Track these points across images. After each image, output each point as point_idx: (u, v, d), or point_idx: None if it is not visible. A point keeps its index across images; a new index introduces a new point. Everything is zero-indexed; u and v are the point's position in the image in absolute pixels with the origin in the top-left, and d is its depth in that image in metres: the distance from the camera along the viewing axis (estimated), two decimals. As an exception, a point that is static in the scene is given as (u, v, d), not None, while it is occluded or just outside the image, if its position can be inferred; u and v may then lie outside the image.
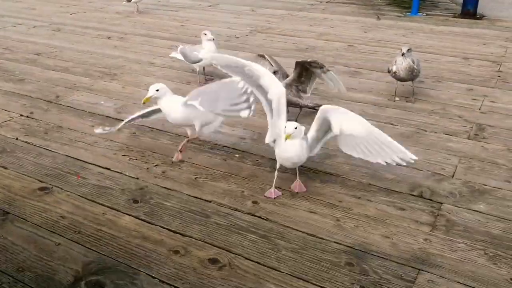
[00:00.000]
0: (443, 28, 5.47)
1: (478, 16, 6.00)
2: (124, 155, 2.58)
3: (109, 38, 5.05)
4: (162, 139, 2.79)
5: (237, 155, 2.59)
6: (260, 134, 2.83)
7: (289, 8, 6.56)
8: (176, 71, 3.99)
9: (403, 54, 3.18)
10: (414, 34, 5.18)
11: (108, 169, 2.43)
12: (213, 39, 3.51)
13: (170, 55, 3.89)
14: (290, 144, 2.01)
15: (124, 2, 6.11)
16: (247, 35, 5.14)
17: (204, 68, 3.66)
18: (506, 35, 5.12)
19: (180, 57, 3.66)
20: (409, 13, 6.22)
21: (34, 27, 5.53)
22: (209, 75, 3.78)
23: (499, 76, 3.89)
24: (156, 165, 2.47)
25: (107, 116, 3.11)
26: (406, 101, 3.32)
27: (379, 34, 5.18)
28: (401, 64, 3.22)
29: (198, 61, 3.55)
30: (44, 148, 2.66)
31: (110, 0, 7.24)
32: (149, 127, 2.94)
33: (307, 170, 2.38)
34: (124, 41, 4.92)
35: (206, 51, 3.47)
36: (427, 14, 6.21)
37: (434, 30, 5.37)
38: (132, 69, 4.06)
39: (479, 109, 3.24)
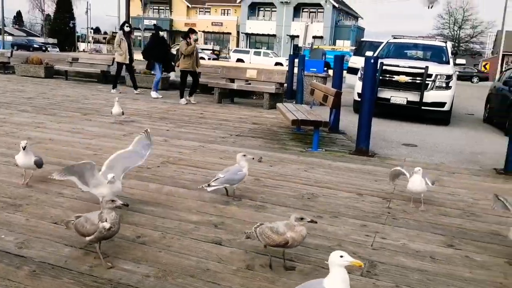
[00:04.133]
0: (339, 164, 6.04)
1: (370, 154, 6.73)
2: (20, 298, 2.46)
3: (17, 165, 4.95)
4: (63, 278, 2.71)
5: (141, 296, 2.58)
6: (165, 271, 2.87)
7: (201, 140, 6.93)
8: (84, 202, 3.97)
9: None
10: (314, 169, 5.66)
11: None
12: (253, 158, 4.49)
13: (208, 190, 4.14)
14: None
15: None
16: (158, 166, 5.31)
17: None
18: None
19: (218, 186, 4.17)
20: (311, 149, 6.83)
21: None
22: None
23: (389, 213, 4.31)
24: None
25: (6, 252, 2.98)
26: None
27: (283, 168, 5.60)
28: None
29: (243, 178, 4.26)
30: None
31: (22, 125, 7.21)
32: (51, 264, 2.86)
33: None
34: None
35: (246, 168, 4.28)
36: (326, 150, 6.85)
37: (331, 166, 5.92)
38: (39, 199, 3.98)
39: (371, 245, 3.54)
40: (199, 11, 66.96)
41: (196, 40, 11.10)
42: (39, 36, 70.90)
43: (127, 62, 12.32)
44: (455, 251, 3.54)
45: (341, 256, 2.14)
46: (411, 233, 3.84)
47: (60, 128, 7.12)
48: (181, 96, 11.25)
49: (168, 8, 67.38)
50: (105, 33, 68.85)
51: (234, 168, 4.26)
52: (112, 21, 66.25)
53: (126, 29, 12.32)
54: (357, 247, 3.47)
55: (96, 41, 67.80)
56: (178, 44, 13.08)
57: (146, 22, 60.13)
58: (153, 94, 11.99)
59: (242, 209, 4.11)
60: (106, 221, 2.87)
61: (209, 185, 4.14)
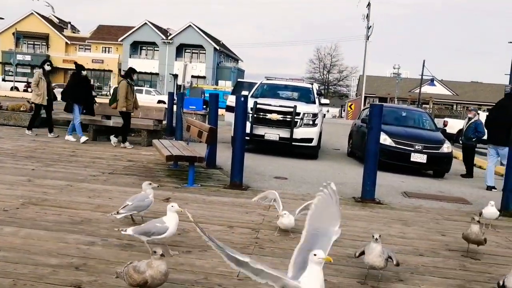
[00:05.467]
0: (214, 198, 6.13)
1: (243, 187, 6.92)
2: None
3: None
4: None
5: None
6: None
7: (69, 179, 6.57)
8: None
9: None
10: (188, 205, 5.65)
11: None
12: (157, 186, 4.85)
13: (117, 217, 4.41)
14: None
15: None
16: (17, 208, 4.90)
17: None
18: (265, 204, 5.96)
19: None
20: (186, 184, 6.83)
21: None
22: None
23: (256, 243, 4.45)
24: None
25: None
26: None
27: (155, 205, 5.48)
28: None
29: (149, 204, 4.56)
30: None
31: None
32: None
33: None
34: None
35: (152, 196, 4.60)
36: (201, 185, 6.90)
37: (206, 200, 5.97)
38: None
39: (237, 276, 3.61)
40: (79, 47, 64.33)
41: (133, 80, 10.43)
42: None
43: (45, 103, 11.09)
44: (314, 275, 3.75)
45: (315, 254, 2.35)
46: (275, 261, 4.00)
47: None
48: (124, 140, 10.47)
49: (44, 43, 63.66)
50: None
51: (141, 196, 4.57)
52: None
53: (47, 68, 11.15)
54: (223, 279, 3.51)
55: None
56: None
57: (20, 57, 56.15)
58: (82, 138, 10.72)
59: (107, 249, 3.95)
60: None
61: (117, 213, 4.38)
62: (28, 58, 59.93)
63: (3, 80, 41.11)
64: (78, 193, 5.83)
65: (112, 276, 3.36)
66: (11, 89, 36.78)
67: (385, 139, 10.08)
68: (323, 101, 13.21)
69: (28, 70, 58.00)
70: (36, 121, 11.73)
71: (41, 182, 6.22)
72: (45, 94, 11.00)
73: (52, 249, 3.83)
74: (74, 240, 4.10)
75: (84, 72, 11.13)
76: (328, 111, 37.02)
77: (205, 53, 59.94)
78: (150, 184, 4.65)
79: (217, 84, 55.01)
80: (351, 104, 44.84)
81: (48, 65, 11.28)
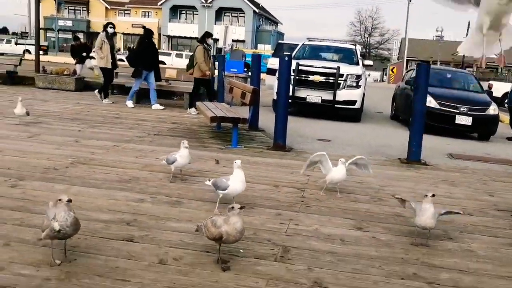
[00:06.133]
0: (258, 159, 6.11)
1: (287, 149, 6.87)
2: None
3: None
4: None
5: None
6: (69, 273, 2.72)
7: (116, 139, 6.68)
8: None
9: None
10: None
11: None
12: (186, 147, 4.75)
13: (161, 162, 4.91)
14: None
15: None
16: (67, 167, 5.04)
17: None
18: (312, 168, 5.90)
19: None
20: (230, 146, 6.84)
21: None
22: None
23: (303, 201, 4.43)
24: None
25: None
26: None
27: (201, 165, 5.54)
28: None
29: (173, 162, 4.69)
30: None
31: None
32: None
33: None
34: None
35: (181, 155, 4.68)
36: (245, 147, 6.90)
37: (250, 161, 5.96)
38: None
39: (285, 232, 3.60)
40: (119, 12, 64.81)
41: (209, 45, 10.33)
42: None
43: (109, 66, 10.84)
44: (363, 233, 3.71)
45: None
46: (323, 218, 3.97)
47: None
48: (190, 106, 10.40)
49: (85, 8, 64.49)
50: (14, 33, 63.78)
51: (175, 152, 4.82)
52: (21, 20, 61.43)
53: (110, 30, 10.87)
54: (272, 235, 3.51)
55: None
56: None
57: (61, 22, 57.11)
58: (129, 103, 10.66)
59: (156, 206, 4.02)
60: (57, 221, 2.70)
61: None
62: (69, 23, 60.94)
63: (16, 43, 41.58)
64: (124, 153, 5.94)
65: (162, 231, 3.44)
66: (23, 52, 37.24)
67: (429, 101, 9.69)
68: (366, 62, 12.83)
69: (69, 36, 59.00)
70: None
71: (87, 143, 6.36)
72: (109, 57, 10.82)
73: (103, 205, 3.92)
74: (124, 197, 4.18)
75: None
76: (369, 75, 36.19)
77: (244, 17, 59.15)
78: (183, 143, 4.74)
79: (256, 48, 54.35)
80: (393, 68, 43.53)
81: (110, 27, 11.00)
